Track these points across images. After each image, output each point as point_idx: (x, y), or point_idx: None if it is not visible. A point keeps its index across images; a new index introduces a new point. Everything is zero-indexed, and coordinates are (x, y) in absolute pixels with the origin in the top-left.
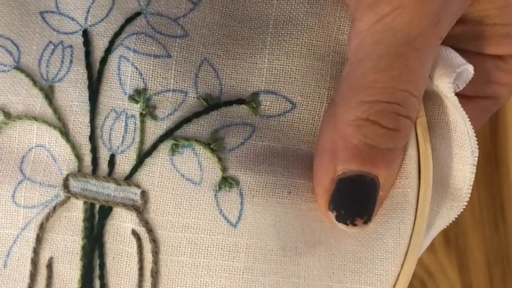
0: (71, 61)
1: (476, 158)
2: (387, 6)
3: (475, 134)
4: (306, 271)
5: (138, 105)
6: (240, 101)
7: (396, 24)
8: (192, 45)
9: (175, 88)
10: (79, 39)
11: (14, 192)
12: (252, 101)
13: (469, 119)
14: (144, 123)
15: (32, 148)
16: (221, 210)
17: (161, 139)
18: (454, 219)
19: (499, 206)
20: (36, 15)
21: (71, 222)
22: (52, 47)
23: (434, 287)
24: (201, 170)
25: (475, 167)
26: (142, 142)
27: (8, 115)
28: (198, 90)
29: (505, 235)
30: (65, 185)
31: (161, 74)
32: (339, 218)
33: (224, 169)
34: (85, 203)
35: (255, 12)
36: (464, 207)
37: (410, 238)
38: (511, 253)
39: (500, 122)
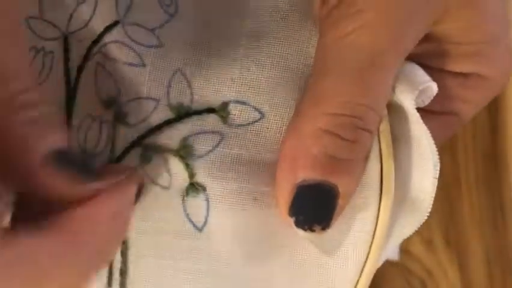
0: (50, 67)
1: (438, 171)
2: (351, 24)
3: (436, 150)
4: (268, 276)
5: (111, 112)
6: (210, 110)
7: (359, 42)
8: (166, 55)
9: (147, 96)
10: (59, 46)
11: None
12: (221, 110)
13: (430, 134)
14: (116, 130)
15: None
16: (187, 214)
17: (132, 145)
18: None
19: (499, 206)
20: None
21: None
22: (34, 51)
23: (434, 287)
24: (169, 175)
25: (437, 180)
26: (113, 148)
27: None
28: (170, 99)
29: (504, 235)
30: None
31: (135, 82)
32: (297, 224)
33: (192, 175)
34: None
35: (229, 25)
36: (426, 218)
37: (370, 247)
38: (510, 253)
39: (500, 122)
